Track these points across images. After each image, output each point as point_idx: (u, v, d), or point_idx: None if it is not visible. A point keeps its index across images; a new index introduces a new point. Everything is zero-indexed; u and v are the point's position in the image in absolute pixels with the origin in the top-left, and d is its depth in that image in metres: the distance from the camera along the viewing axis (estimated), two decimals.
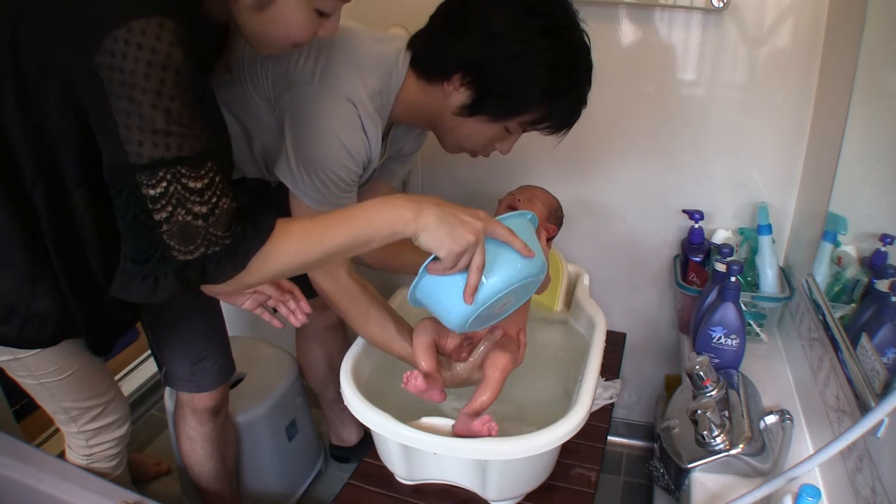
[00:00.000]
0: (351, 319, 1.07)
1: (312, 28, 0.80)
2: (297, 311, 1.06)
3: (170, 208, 0.67)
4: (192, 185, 0.67)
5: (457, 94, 0.97)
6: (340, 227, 0.77)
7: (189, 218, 0.68)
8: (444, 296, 0.86)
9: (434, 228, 0.77)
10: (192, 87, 0.66)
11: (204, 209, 0.69)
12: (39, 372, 1.02)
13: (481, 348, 1.02)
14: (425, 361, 0.99)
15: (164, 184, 0.66)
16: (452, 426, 0.95)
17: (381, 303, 1.08)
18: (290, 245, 0.75)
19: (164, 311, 1.17)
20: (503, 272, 0.84)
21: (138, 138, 0.65)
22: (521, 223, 0.89)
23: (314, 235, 0.76)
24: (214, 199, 0.69)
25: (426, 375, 0.97)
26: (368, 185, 1.20)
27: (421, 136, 1.21)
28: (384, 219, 0.78)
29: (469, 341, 1.03)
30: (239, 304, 1.06)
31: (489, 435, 0.91)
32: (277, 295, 1.06)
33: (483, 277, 0.82)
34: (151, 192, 0.66)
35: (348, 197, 1.01)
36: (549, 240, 1.18)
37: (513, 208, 1.14)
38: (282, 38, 0.79)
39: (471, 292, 0.82)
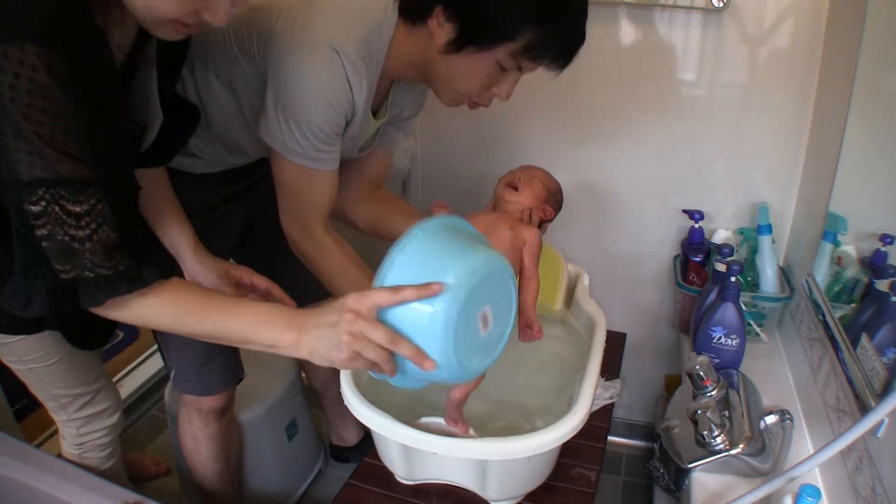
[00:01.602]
0: (323, 274, 1.05)
1: (182, 4, 0.72)
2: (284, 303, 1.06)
3: (49, 227, 0.68)
4: (70, 208, 0.68)
5: (441, 31, 0.95)
6: (219, 317, 0.77)
7: (67, 239, 0.69)
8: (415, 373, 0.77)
9: (317, 350, 0.75)
10: (71, 114, 0.66)
11: (81, 233, 0.69)
12: (27, 357, 1.04)
13: None
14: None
15: (44, 203, 0.67)
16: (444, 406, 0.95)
17: (355, 261, 1.05)
18: (162, 308, 0.76)
19: None
20: (414, 321, 0.72)
21: (16, 157, 0.66)
22: (410, 251, 0.75)
23: (190, 313, 0.77)
24: (94, 226, 0.70)
25: None
26: (368, 153, 1.19)
27: (420, 97, 1.19)
28: (264, 333, 0.77)
29: None
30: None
31: (463, 433, 0.92)
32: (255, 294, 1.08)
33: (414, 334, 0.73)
34: (33, 208, 0.67)
35: (329, 151, 0.99)
36: (547, 222, 1.17)
37: (512, 186, 1.13)
38: (148, 10, 0.73)
39: (391, 369, 0.74)
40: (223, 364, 1.26)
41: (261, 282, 1.08)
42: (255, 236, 1.32)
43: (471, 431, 0.92)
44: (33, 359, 1.05)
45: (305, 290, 1.42)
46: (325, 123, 0.96)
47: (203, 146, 1.11)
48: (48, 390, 1.13)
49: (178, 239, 1.06)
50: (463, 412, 0.95)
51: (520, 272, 1.08)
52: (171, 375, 1.25)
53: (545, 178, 1.18)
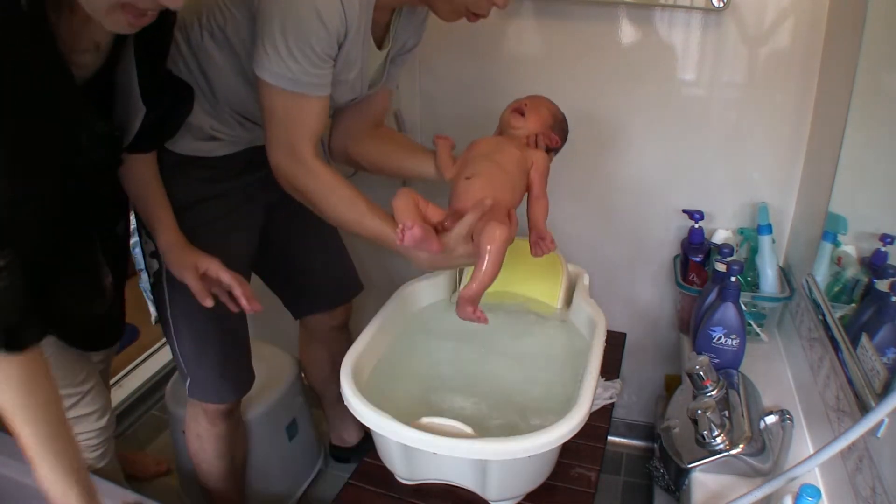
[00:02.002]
0: (316, 199, 1.03)
1: None
2: (241, 302, 1.08)
3: None
4: None
5: None
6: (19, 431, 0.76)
7: None
8: None
9: None
10: None
11: None
12: None
13: (469, 218, 0.97)
14: (409, 219, 0.94)
15: None
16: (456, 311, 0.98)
17: (349, 184, 1.04)
18: None
19: (189, 319, 1.19)
20: None
21: None
22: None
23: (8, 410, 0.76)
24: None
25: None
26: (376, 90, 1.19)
27: (420, 26, 1.18)
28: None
29: (454, 213, 1.01)
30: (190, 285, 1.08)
31: (479, 321, 0.97)
32: (219, 288, 1.09)
33: None
34: None
35: (320, 76, 0.98)
36: (554, 151, 1.18)
37: (519, 111, 1.14)
38: None
39: None
40: (239, 372, 1.27)
41: (226, 276, 1.07)
42: (276, 227, 1.33)
43: (470, 431, 0.92)
44: None
45: (315, 280, 1.45)
46: (317, 41, 0.94)
47: (216, 124, 1.12)
48: None
49: (157, 224, 1.08)
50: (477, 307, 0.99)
51: (528, 192, 1.10)
52: (186, 383, 1.25)
53: (551, 107, 1.19)
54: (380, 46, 1.08)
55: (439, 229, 1.00)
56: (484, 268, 0.95)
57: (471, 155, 1.10)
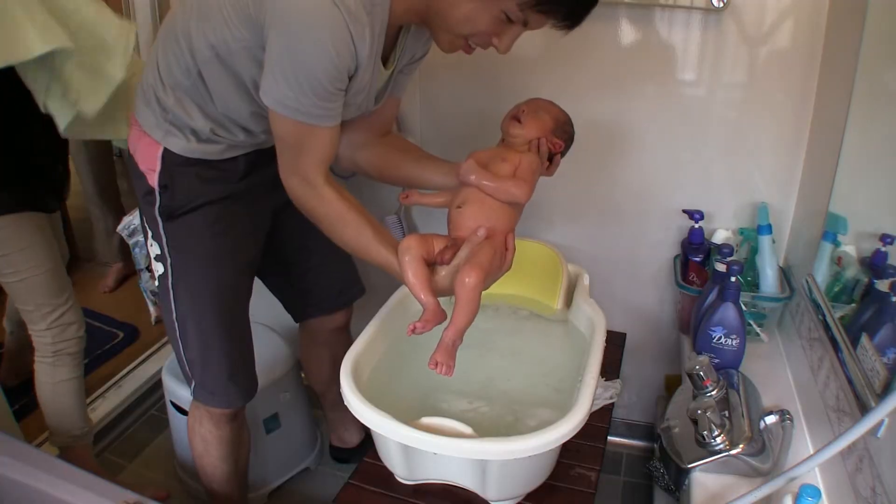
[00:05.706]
0: (325, 224, 1.04)
1: None
2: None
3: None
4: None
5: None
6: None
7: None
8: None
9: None
10: None
11: None
12: (22, 267, 1.38)
13: (464, 252, 0.98)
14: (423, 292, 0.96)
15: None
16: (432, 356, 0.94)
17: (358, 209, 1.04)
18: None
19: (196, 323, 1.18)
20: None
21: None
22: None
23: None
24: None
25: (427, 309, 0.96)
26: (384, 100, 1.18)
27: (429, 40, 1.15)
28: None
29: (453, 243, 1.01)
30: None
31: (442, 372, 0.93)
32: None
33: None
34: None
35: (330, 108, 0.97)
36: (558, 155, 1.15)
37: (516, 119, 1.11)
38: None
39: None
40: (246, 377, 1.27)
41: None
42: (281, 231, 1.33)
43: (470, 431, 0.92)
44: (28, 268, 1.38)
45: (318, 284, 1.46)
46: (327, 79, 0.93)
47: (216, 127, 1.10)
48: (35, 299, 1.42)
49: None
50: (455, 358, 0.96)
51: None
52: (191, 387, 1.25)
53: (552, 109, 1.15)
54: (385, 63, 1.07)
55: (438, 262, 1.00)
56: (458, 313, 0.95)
57: None
